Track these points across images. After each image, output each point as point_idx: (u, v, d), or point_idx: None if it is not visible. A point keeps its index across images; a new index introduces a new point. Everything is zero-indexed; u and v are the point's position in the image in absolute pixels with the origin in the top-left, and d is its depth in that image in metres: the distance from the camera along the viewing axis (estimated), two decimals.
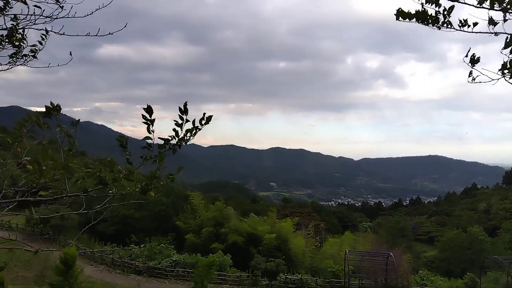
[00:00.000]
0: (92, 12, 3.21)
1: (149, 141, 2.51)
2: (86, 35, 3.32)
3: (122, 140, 2.46)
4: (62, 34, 3.29)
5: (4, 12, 3.29)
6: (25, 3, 3.07)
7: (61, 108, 2.56)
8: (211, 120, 2.67)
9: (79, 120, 2.65)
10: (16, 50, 3.56)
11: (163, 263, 30.21)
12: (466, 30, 2.72)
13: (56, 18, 3.24)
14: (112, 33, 3.16)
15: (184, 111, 2.52)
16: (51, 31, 3.44)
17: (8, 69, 3.65)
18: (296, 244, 35.61)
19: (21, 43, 3.52)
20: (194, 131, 2.61)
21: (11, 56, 3.61)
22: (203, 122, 2.65)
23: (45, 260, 23.43)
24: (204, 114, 2.65)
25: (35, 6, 3.16)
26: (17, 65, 3.68)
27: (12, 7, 3.30)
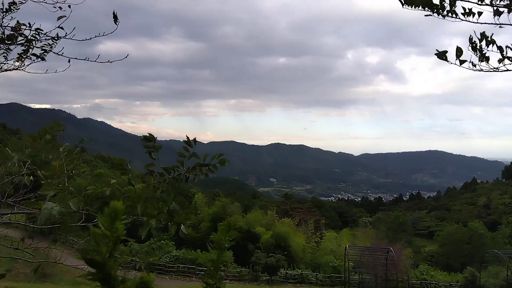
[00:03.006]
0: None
1: (153, 165, 2.31)
2: (85, 59, 3.37)
3: (124, 166, 2.32)
4: (61, 55, 3.30)
5: (6, 14, 3.15)
6: None
7: (65, 127, 2.50)
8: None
9: (84, 148, 2.58)
10: (26, 47, 3.25)
11: (164, 259, 30.27)
12: (470, 20, 2.68)
13: (58, 39, 3.23)
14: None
15: (188, 143, 2.26)
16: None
17: (15, 69, 3.39)
18: (296, 242, 35.63)
19: (33, 39, 3.23)
20: (202, 169, 2.28)
21: (20, 55, 3.30)
22: (215, 162, 2.31)
23: (45, 256, 23.45)
24: (220, 155, 2.32)
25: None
26: (27, 65, 3.41)
27: (18, 9, 3.19)
